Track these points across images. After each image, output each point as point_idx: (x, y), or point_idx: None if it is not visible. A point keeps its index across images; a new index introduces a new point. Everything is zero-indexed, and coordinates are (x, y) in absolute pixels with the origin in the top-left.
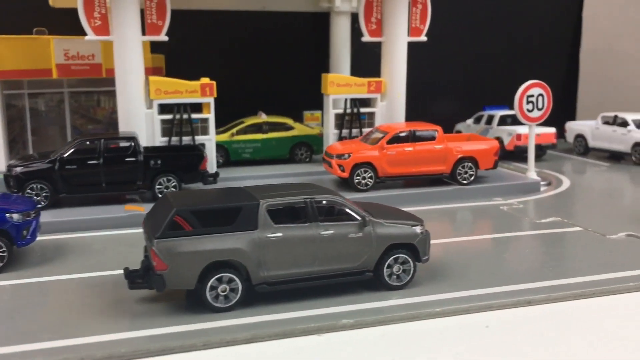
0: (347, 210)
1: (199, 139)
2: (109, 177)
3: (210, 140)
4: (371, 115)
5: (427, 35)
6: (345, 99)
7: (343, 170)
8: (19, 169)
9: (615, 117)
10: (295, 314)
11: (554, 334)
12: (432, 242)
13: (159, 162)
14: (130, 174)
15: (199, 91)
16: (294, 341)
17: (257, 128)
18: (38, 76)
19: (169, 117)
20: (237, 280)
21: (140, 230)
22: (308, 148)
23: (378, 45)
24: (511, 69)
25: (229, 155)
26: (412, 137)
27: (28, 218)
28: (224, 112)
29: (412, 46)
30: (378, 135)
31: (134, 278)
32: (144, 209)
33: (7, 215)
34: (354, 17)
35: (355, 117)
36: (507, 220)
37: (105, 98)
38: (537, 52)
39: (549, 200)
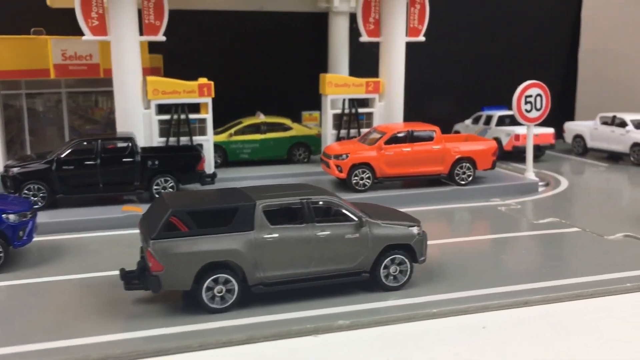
0: (344, 211)
1: (197, 139)
2: (106, 177)
3: (208, 141)
4: (369, 115)
5: (425, 35)
6: (344, 99)
7: (341, 171)
8: (16, 170)
9: (614, 117)
10: (292, 315)
11: (551, 335)
12: (429, 242)
13: (156, 162)
14: (127, 175)
15: (197, 91)
16: (290, 342)
17: (255, 128)
18: (36, 76)
19: (166, 117)
20: (234, 281)
21: (138, 230)
22: (306, 148)
23: (376, 45)
24: (510, 70)
25: (227, 156)
26: (410, 138)
27: (24, 219)
28: (222, 113)
29: (410, 46)
30: (376, 135)
31: (130, 279)
32: (142, 209)
33: (3, 216)
34: (353, 17)
35: (353, 118)
36: (505, 221)
37: (103, 98)
38: (535, 52)
39: (547, 200)
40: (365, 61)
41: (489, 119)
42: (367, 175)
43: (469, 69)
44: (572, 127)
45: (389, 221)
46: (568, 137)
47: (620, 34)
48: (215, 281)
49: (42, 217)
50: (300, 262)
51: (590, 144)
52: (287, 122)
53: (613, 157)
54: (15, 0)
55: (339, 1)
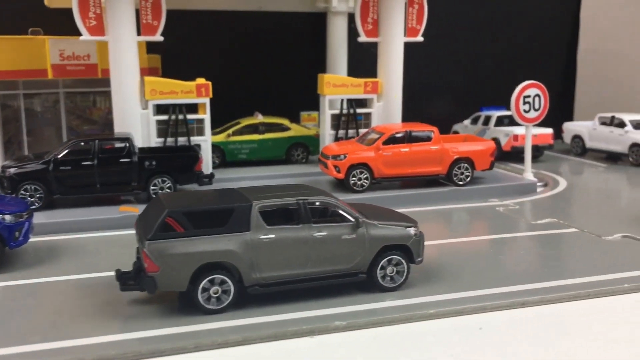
0: (341, 211)
1: (195, 139)
2: (104, 178)
3: (205, 141)
4: (367, 115)
5: (424, 35)
6: (342, 100)
7: (339, 171)
8: (12, 170)
9: (613, 117)
10: (288, 316)
11: (548, 336)
12: (427, 243)
13: (154, 163)
14: (124, 175)
15: (195, 92)
16: (286, 343)
17: (253, 129)
18: (33, 76)
19: (164, 117)
20: (229, 282)
21: (134, 231)
22: (304, 149)
23: (374, 45)
24: (508, 70)
25: (225, 156)
26: (408, 138)
27: (20, 219)
28: (220, 113)
29: (409, 46)
30: (374, 136)
31: (125, 280)
32: (139, 210)
33: None
34: (351, 18)
35: (351, 118)
36: (503, 222)
37: (101, 98)
38: (534, 52)
39: (545, 201)
40: (363, 61)
41: (487, 120)
42: (365, 176)
43: (467, 69)
44: (570, 128)
45: (385, 222)
46: (567, 138)
47: (620, 34)
48: (211, 282)
49: (39, 218)
50: (296, 263)
51: (589, 144)
52: (285, 122)
53: (612, 158)
54: (13, 0)
55: (338, 1)
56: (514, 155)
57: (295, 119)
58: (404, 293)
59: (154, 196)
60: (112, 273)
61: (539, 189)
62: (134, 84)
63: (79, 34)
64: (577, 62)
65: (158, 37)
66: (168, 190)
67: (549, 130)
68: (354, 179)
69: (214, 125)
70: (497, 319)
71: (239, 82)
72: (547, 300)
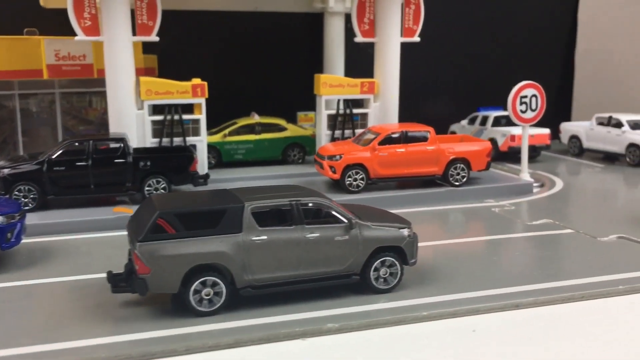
0: (334, 212)
1: (190, 140)
2: (98, 178)
3: (201, 142)
4: (364, 116)
5: (421, 35)
6: (338, 100)
7: (334, 172)
8: (6, 171)
9: (610, 118)
10: (280, 318)
11: (541, 338)
12: (421, 244)
13: (148, 163)
14: (119, 176)
15: (190, 92)
16: (278, 346)
17: (249, 129)
18: (29, 77)
19: (159, 118)
20: (221, 283)
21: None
22: (301, 149)
23: (371, 45)
24: (506, 70)
25: (221, 157)
26: (404, 139)
27: (12, 220)
28: (217, 113)
29: (406, 46)
30: (370, 136)
31: (117, 281)
32: (133, 211)
33: None
34: (348, 18)
35: (347, 118)
36: (498, 222)
37: (97, 99)
38: (532, 52)
39: (541, 201)
40: (360, 62)
41: (484, 120)
42: (361, 176)
43: (465, 69)
44: (568, 128)
45: (379, 223)
46: (564, 138)
47: (618, 35)
48: (203, 284)
49: (33, 219)
50: (289, 265)
51: (586, 144)
52: (281, 122)
53: (609, 158)
54: (9, 0)
55: (334, 1)
56: (511, 155)
57: (292, 119)
58: (397, 295)
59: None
60: (105, 275)
61: (535, 190)
62: (129, 84)
63: (74, 34)
64: (575, 63)
65: (153, 38)
66: (162, 191)
67: (546, 131)
68: (349, 179)
69: (210, 126)
70: (491, 320)
71: (235, 83)
72: (541, 302)
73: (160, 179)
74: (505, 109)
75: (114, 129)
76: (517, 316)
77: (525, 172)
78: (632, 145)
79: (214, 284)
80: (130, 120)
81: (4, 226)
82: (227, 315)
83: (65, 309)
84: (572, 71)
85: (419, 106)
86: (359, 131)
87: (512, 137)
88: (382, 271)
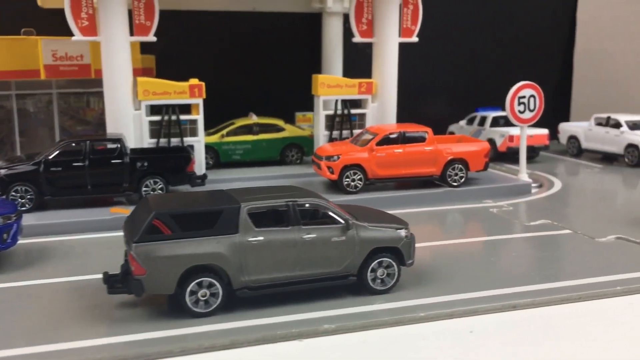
0: (330, 213)
1: (188, 140)
2: (95, 179)
3: (199, 142)
4: (362, 116)
5: (419, 36)
6: (336, 100)
7: (332, 172)
8: (2, 171)
9: (608, 118)
10: (276, 319)
11: (539, 339)
12: (419, 245)
13: (146, 164)
14: (116, 176)
15: (188, 92)
16: (274, 347)
17: (247, 129)
18: (26, 77)
19: (157, 118)
20: (218, 284)
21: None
22: (299, 149)
23: (369, 46)
24: (505, 70)
25: (219, 157)
26: (402, 139)
27: (9, 221)
28: (215, 114)
29: (404, 47)
30: (368, 136)
31: (113, 282)
32: (130, 211)
33: None
34: (346, 18)
35: (345, 119)
36: (496, 223)
37: (95, 99)
38: (531, 53)
39: (539, 202)
40: (359, 62)
41: (483, 120)
42: (359, 177)
43: (463, 69)
44: (566, 128)
45: (376, 224)
46: (562, 138)
47: (616, 35)
48: (199, 285)
49: (30, 219)
50: (285, 266)
51: (584, 145)
52: (279, 123)
53: (607, 158)
54: (6, 0)
55: (333, 2)
56: (510, 156)
57: (290, 120)
58: (394, 296)
59: None
60: (101, 275)
61: (533, 190)
62: (126, 85)
63: (72, 34)
64: (573, 63)
65: (151, 38)
66: (160, 191)
67: (545, 131)
68: (347, 180)
69: (208, 126)
70: (488, 321)
71: (233, 83)
72: (538, 303)
73: (157, 180)
74: (503, 109)
75: (111, 129)
76: (515, 317)
77: (523, 173)
78: (630, 146)
79: (210, 285)
80: (128, 121)
81: (0, 227)
82: (223, 317)
83: (61, 310)
84: (570, 71)
85: (417, 106)
86: (357, 131)
87: (511, 138)
88: (379, 272)
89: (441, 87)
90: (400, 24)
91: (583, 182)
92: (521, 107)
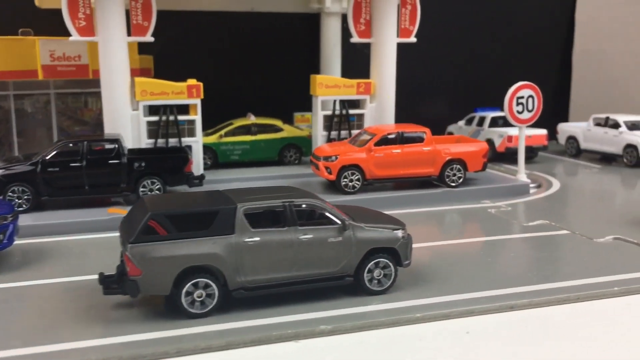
0: (327, 214)
1: (186, 140)
2: (92, 179)
3: (197, 142)
4: (360, 116)
5: (417, 36)
6: (334, 101)
7: (330, 173)
8: None
9: (607, 118)
10: (273, 320)
11: (536, 340)
12: (416, 245)
13: (143, 164)
14: (113, 177)
15: (186, 92)
16: (270, 348)
17: (245, 130)
18: (24, 77)
19: (154, 118)
20: (214, 285)
21: None
22: (297, 150)
23: (368, 46)
24: (503, 71)
25: (217, 157)
26: (400, 139)
27: (5, 222)
28: (213, 114)
29: (403, 47)
30: (366, 137)
31: (108, 283)
32: (127, 212)
33: None
34: (345, 18)
35: (344, 119)
36: (494, 223)
37: (93, 99)
38: (529, 53)
39: (537, 202)
40: (357, 62)
41: (482, 120)
42: (357, 177)
43: (462, 70)
44: (565, 129)
45: (373, 224)
46: (561, 139)
47: (615, 36)
48: (195, 286)
49: (27, 220)
50: (282, 266)
51: (583, 145)
52: (278, 123)
53: (606, 159)
54: (3, 1)
55: (331, 2)
56: (508, 156)
57: (289, 120)
58: (391, 296)
59: None
60: (97, 276)
61: (532, 191)
62: (124, 85)
63: (69, 34)
64: (572, 63)
65: (148, 38)
66: (157, 191)
67: (543, 131)
68: (345, 180)
69: (207, 126)
70: (485, 322)
71: (232, 83)
72: (536, 304)
73: (155, 180)
74: (502, 109)
75: (109, 129)
76: (512, 318)
77: (522, 173)
78: (629, 146)
79: (206, 286)
80: (126, 121)
81: None
82: (219, 317)
83: (57, 311)
84: (569, 72)
85: (416, 107)
86: (355, 132)
87: (509, 138)
88: (376, 273)
89: (440, 87)
90: (399, 24)
91: (582, 182)
92: (519, 108)
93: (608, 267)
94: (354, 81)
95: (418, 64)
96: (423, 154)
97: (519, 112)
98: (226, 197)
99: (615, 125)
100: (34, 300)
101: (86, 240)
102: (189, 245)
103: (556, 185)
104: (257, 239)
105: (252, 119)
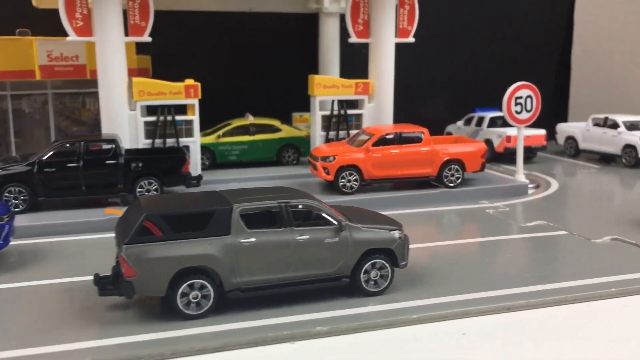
0: (323, 214)
1: (184, 141)
2: (89, 180)
3: (194, 143)
4: (359, 117)
5: (416, 36)
6: (332, 101)
7: (328, 173)
8: None
9: (606, 119)
10: (268, 321)
11: (533, 341)
12: (414, 246)
13: (140, 164)
14: (110, 177)
15: (183, 93)
16: (266, 349)
17: (244, 130)
18: (21, 77)
19: (152, 119)
20: (209, 286)
21: None
22: (295, 150)
23: (366, 46)
24: (502, 71)
25: (215, 158)
26: (398, 140)
27: (0, 222)
28: (212, 114)
29: (401, 47)
30: (364, 137)
31: (104, 284)
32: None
33: None
34: (343, 18)
35: (342, 119)
36: (492, 224)
37: (90, 99)
38: (528, 53)
39: (536, 203)
40: (356, 62)
41: (480, 121)
42: (355, 178)
43: (461, 70)
44: (564, 129)
45: (369, 225)
46: (560, 139)
47: (614, 36)
48: (191, 287)
49: (23, 220)
50: (278, 267)
51: (582, 145)
52: (276, 123)
53: (605, 159)
54: (1, 1)
55: (329, 2)
56: (507, 156)
57: (287, 121)
58: (387, 297)
59: None
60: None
61: (530, 191)
62: (121, 85)
63: (67, 34)
64: (571, 63)
65: (146, 38)
66: (154, 192)
67: (542, 132)
68: (343, 180)
69: (205, 127)
70: (482, 323)
71: (230, 83)
72: (532, 305)
73: (152, 181)
74: (501, 109)
75: (106, 130)
76: (509, 319)
77: (520, 173)
78: (628, 147)
79: (202, 287)
80: (123, 121)
81: None
82: (214, 319)
83: (52, 312)
84: (568, 72)
85: (414, 107)
86: (353, 132)
87: (508, 138)
88: (373, 274)
89: (439, 87)
90: (397, 25)
91: (580, 182)
92: (518, 108)
93: (606, 267)
94: (352, 81)
95: (416, 64)
96: (421, 155)
97: (517, 113)
98: (222, 197)
99: (614, 126)
100: (30, 301)
101: (83, 241)
102: (185, 246)
103: (555, 185)
104: (253, 239)
105: (250, 119)
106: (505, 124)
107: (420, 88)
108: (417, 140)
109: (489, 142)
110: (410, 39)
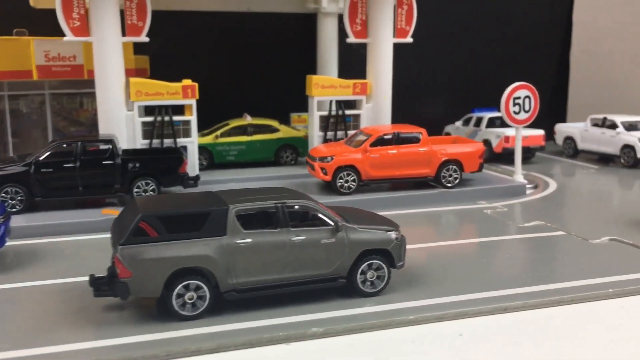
0: (320, 215)
1: (181, 141)
2: (86, 180)
3: (192, 143)
4: (357, 117)
5: (414, 36)
6: (330, 101)
7: (326, 174)
8: None
9: (605, 119)
10: (264, 322)
11: (530, 342)
12: (411, 246)
13: (137, 165)
14: (107, 177)
15: (181, 93)
16: (261, 350)
17: (242, 130)
18: (18, 78)
19: (149, 119)
20: (205, 287)
21: None
22: (293, 150)
23: (364, 46)
24: (501, 71)
25: (213, 158)
26: (396, 140)
27: None
28: (210, 114)
29: (400, 47)
30: (362, 137)
31: (99, 285)
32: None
33: None
34: (341, 19)
35: (340, 119)
36: (490, 224)
37: (88, 100)
38: (527, 53)
39: (534, 203)
40: (354, 62)
41: (479, 121)
42: (352, 178)
43: (459, 70)
44: (562, 129)
45: (366, 226)
46: (559, 139)
47: (613, 36)
48: (186, 288)
49: (20, 221)
50: (274, 268)
51: (580, 145)
52: (274, 124)
53: (603, 159)
54: None
55: (328, 2)
56: (505, 156)
57: (286, 121)
58: (384, 298)
59: None
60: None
61: (528, 191)
62: (119, 86)
63: (64, 34)
64: (570, 64)
65: (143, 38)
66: (152, 192)
67: (541, 132)
68: (340, 181)
69: (203, 127)
70: (479, 324)
71: (228, 84)
72: (530, 306)
73: (149, 181)
74: (499, 110)
75: (103, 130)
76: (505, 320)
77: (519, 174)
78: (626, 147)
79: (198, 288)
80: (120, 122)
81: None
82: (210, 320)
83: (47, 313)
84: (567, 72)
85: (413, 107)
86: (351, 132)
87: (506, 139)
88: (369, 274)
89: (437, 87)
90: (395, 25)
91: (579, 183)
92: (516, 108)
93: (603, 268)
94: (350, 81)
95: (415, 64)
96: (419, 155)
97: (515, 113)
98: (218, 198)
99: (613, 126)
100: (26, 302)
101: (80, 242)
102: (180, 246)
103: (553, 185)
104: (249, 240)
105: (248, 120)
106: (503, 124)
107: (419, 88)
108: (415, 140)
109: (487, 142)
110: (408, 39)
